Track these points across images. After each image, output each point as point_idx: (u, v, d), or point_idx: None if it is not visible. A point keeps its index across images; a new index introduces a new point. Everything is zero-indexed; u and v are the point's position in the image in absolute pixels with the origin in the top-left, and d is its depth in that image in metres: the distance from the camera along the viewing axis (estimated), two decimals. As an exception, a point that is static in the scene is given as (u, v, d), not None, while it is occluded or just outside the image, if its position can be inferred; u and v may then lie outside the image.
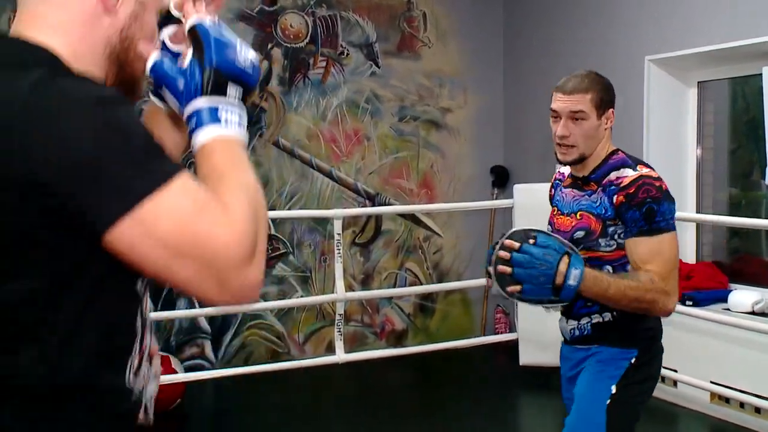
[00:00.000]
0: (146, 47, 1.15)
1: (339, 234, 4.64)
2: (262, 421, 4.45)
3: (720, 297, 4.43)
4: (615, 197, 2.19)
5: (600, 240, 2.23)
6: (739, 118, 5.08)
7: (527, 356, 5.06)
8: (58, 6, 1.07)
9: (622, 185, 2.20)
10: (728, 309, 4.30)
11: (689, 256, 4.98)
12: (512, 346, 5.26)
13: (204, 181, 1.04)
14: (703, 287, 4.54)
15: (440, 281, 5.96)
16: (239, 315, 5.33)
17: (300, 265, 5.57)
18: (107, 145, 0.96)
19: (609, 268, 2.22)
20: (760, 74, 4.37)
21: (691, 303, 4.38)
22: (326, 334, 5.58)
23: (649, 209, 2.15)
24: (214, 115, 1.09)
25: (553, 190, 2.48)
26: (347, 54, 5.69)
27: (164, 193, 0.97)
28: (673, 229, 2.19)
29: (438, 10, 5.98)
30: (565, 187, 2.40)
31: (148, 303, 1.18)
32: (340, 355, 4.64)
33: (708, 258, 5.00)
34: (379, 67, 5.80)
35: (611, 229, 2.21)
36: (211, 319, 5.26)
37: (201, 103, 1.09)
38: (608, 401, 2.20)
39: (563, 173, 2.45)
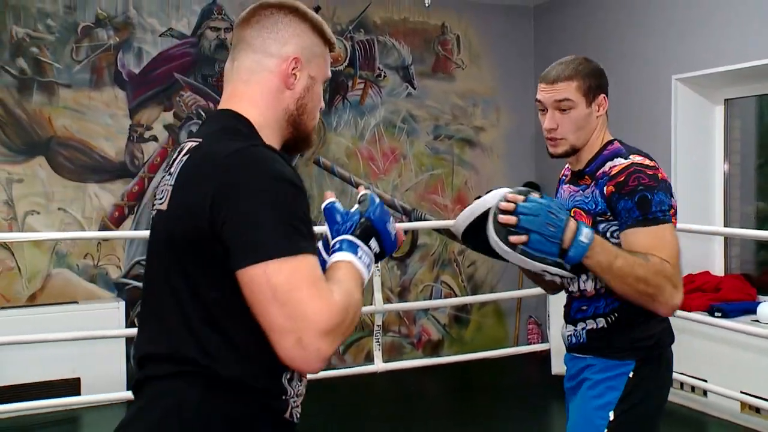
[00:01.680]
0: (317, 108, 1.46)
1: (377, 248, 4.64)
2: (306, 427, 4.45)
3: (749, 309, 4.35)
4: (605, 188, 1.92)
5: None
6: (766, 133, 5.01)
7: (559, 366, 5.00)
8: (255, 85, 1.38)
9: (611, 174, 1.92)
10: (757, 320, 4.23)
11: (717, 269, 4.91)
12: (544, 356, 5.22)
13: (330, 278, 1.26)
14: (732, 299, 4.47)
15: (474, 293, 5.94)
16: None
17: (340, 277, 5.58)
18: (270, 211, 1.20)
19: None
20: (786, 91, 4.32)
21: (720, 315, 4.31)
22: (365, 344, 5.59)
23: (642, 198, 1.86)
24: (354, 249, 1.34)
25: (558, 188, 2.21)
26: (384, 76, 5.73)
27: (291, 259, 1.18)
28: (670, 221, 1.88)
29: (471, 33, 5.99)
30: (566, 183, 2.14)
31: None
32: (379, 365, 4.64)
33: (736, 270, 4.92)
34: (414, 89, 5.82)
35: (602, 225, 1.93)
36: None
37: (349, 237, 1.35)
38: (605, 431, 1.90)
39: (568, 169, 2.16)
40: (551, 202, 1.81)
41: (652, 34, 5.01)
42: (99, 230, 4.88)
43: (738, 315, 4.32)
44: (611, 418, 1.90)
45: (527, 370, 5.53)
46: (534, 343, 5.83)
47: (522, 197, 1.80)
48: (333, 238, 1.38)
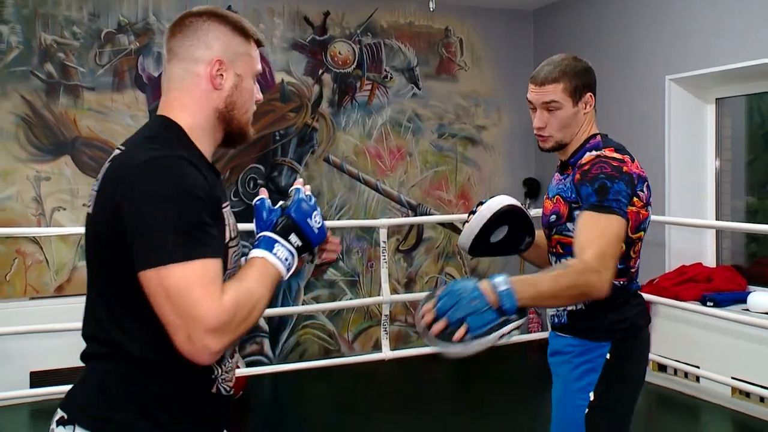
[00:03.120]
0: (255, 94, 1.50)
1: (384, 241, 4.68)
2: (315, 412, 4.50)
3: (739, 298, 4.37)
4: (575, 177, 1.96)
5: (567, 224, 1.99)
6: (755, 131, 5.01)
7: (558, 353, 5.02)
8: (185, 91, 1.42)
9: (581, 164, 1.97)
10: (747, 309, 4.24)
11: (709, 261, 4.92)
12: (544, 344, 5.21)
13: (235, 276, 1.34)
14: (724, 289, 4.48)
15: (477, 284, 5.95)
16: (294, 316, 5.40)
17: (349, 270, 5.62)
18: (169, 219, 1.24)
19: None
20: (775, 91, 4.32)
21: (712, 304, 4.33)
22: (373, 333, 5.62)
23: (601, 185, 1.86)
24: (270, 245, 1.38)
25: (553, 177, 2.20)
26: (390, 77, 5.75)
27: (183, 264, 1.22)
28: (624, 216, 1.85)
29: (473, 37, 6.01)
30: (556, 172, 2.16)
31: None
32: (386, 353, 4.67)
33: (727, 262, 4.93)
34: (419, 89, 5.84)
35: (576, 212, 1.94)
36: (269, 319, 5.33)
37: (268, 234, 1.40)
38: (586, 410, 1.95)
39: (559, 160, 2.18)
40: (451, 285, 1.66)
41: (647, 36, 5.01)
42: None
43: (729, 304, 4.34)
44: (591, 398, 1.95)
45: (528, 357, 5.54)
46: (534, 332, 5.84)
47: (432, 301, 1.65)
48: (256, 233, 1.43)
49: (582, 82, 2.03)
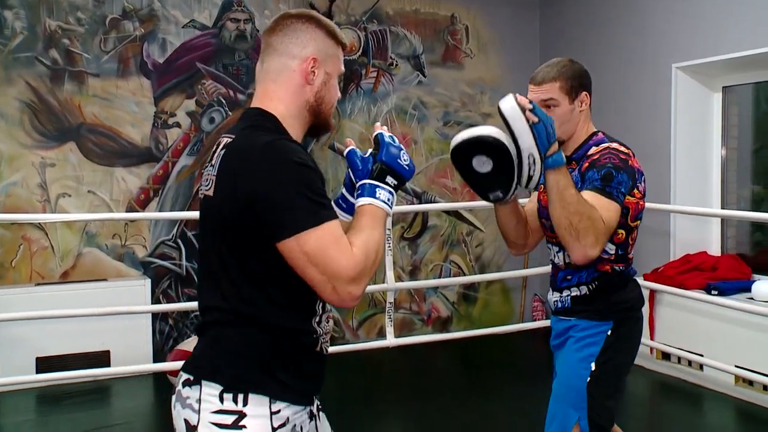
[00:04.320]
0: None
1: (389, 229, 4.69)
2: (320, 399, 4.51)
3: (744, 287, 4.37)
4: (583, 166, 2.16)
5: None
6: (762, 120, 4.99)
7: (562, 341, 5.03)
8: (281, 83, 1.59)
9: (589, 155, 2.17)
10: (752, 298, 4.25)
11: (714, 249, 4.92)
12: (548, 332, 5.24)
13: (352, 229, 1.52)
14: (728, 278, 4.48)
15: (482, 272, 5.98)
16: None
17: (354, 257, 5.62)
18: (296, 192, 1.43)
19: None
20: (782, 79, 4.30)
21: (716, 292, 4.33)
22: (378, 320, 5.64)
23: (607, 172, 2.07)
24: (372, 191, 1.58)
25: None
26: (396, 65, 5.74)
27: (318, 229, 1.42)
28: (620, 204, 2.06)
29: (479, 24, 5.98)
30: None
31: None
32: (391, 340, 4.69)
33: (732, 251, 4.93)
34: (425, 77, 5.83)
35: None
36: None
37: (367, 181, 1.60)
38: (588, 378, 2.15)
39: None
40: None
41: (653, 24, 4.99)
42: (126, 212, 4.94)
43: (733, 293, 4.34)
44: (593, 368, 2.16)
45: (532, 345, 5.57)
46: (538, 320, 5.87)
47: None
48: (356, 182, 1.64)
49: (578, 81, 2.20)
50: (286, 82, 1.59)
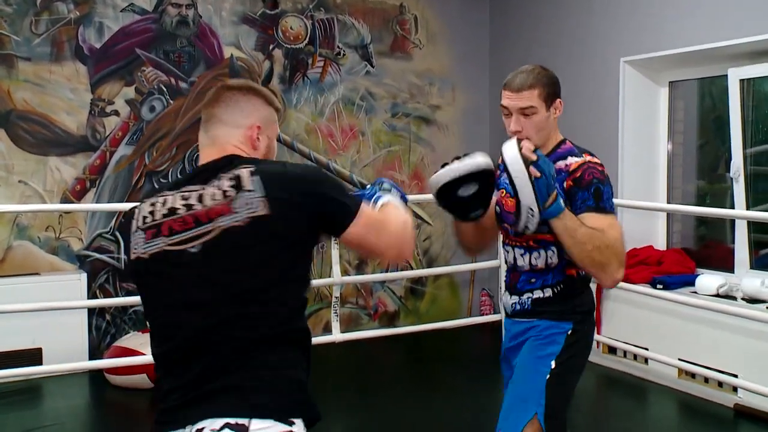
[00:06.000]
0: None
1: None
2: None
3: (688, 281, 4.50)
4: (564, 183, 2.18)
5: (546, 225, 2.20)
6: (707, 115, 5.14)
7: (510, 336, 5.10)
8: (231, 147, 1.73)
9: (569, 170, 2.19)
10: (695, 292, 4.37)
11: (660, 244, 5.05)
12: (497, 327, 5.32)
13: (384, 210, 1.77)
14: (673, 272, 4.60)
15: (429, 266, 6.02)
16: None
17: (299, 251, 5.59)
18: (333, 188, 1.68)
19: (554, 248, 2.21)
20: (726, 75, 4.43)
21: (661, 286, 4.45)
22: (324, 315, 5.63)
23: (596, 189, 2.15)
24: (386, 194, 1.88)
25: (498, 174, 2.30)
26: (343, 54, 5.72)
27: (362, 209, 1.68)
28: (615, 215, 2.22)
29: (428, 14, 6.01)
30: None
31: None
32: (337, 335, 4.69)
33: (677, 245, 5.07)
34: (373, 67, 5.83)
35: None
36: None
37: (379, 190, 1.92)
38: (548, 376, 2.19)
39: None
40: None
41: (603, 17, 5.08)
42: (60, 203, 4.82)
43: (678, 287, 4.46)
44: (553, 365, 2.21)
45: (480, 339, 5.63)
46: (486, 314, 5.94)
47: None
48: (369, 198, 1.83)
49: (552, 89, 2.24)
50: (237, 145, 1.73)
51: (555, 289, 2.26)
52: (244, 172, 1.62)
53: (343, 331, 4.80)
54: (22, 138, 4.74)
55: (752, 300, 4.13)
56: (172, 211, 1.62)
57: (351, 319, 5.80)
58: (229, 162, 1.67)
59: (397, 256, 1.75)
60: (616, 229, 2.14)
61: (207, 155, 1.73)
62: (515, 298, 2.33)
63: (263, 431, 1.50)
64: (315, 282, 5.42)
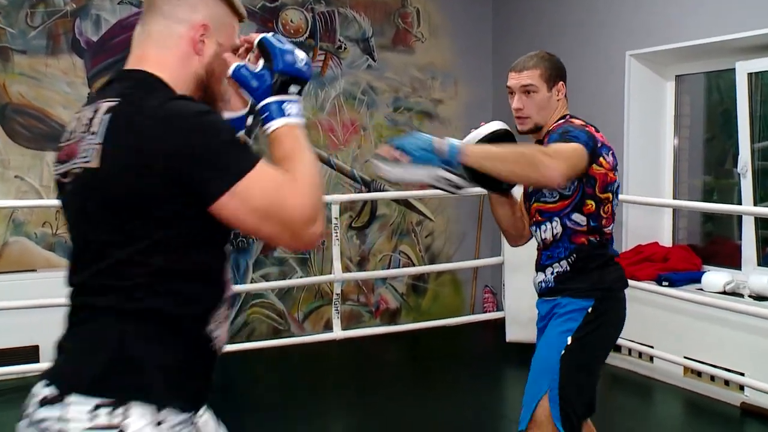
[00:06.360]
0: (229, 60, 1.48)
1: (336, 218, 4.66)
2: (263, 394, 4.47)
3: (694, 278, 4.46)
4: (546, 141, 2.30)
5: (544, 191, 2.33)
6: (714, 109, 5.10)
7: (513, 333, 5.09)
8: (165, 50, 1.42)
9: (551, 130, 2.32)
10: (702, 289, 4.33)
11: (666, 240, 5.02)
12: (499, 324, 5.30)
13: (278, 161, 1.37)
14: (679, 269, 4.57)
15: (432, 263, 5.99)
16: (242, 294, 5.34)
17: (300, 247, 5.56)
18: (208, 141, 1.28)
19: (557, 219, 2.31)
20: (734, 69, 4.39)
21: (667, 283, 4.42)
22: (324, 312, 5.61)
23: (563, 130, 2.23)
24: (281, 109, 1.42)
25: None
26: (345, 48, 5.68)
27: (251, 174, 1.28)
28: (586, 147, 2.18)
29: (430, 7, 5.97)
30: None
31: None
32: (337, 332, 4.66)
33: (683, 241, 5.03)
34: (374, 61, 5.79)
35: None
36: (215, 298, 5.26)
37: (271, 100, 1.43)
38: (563, 351, 2.26)
39: None
40: (410, 133, 2.13)
41: (608, 10, 5.04)
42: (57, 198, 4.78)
43: (684, 284, 4.43)
44: (568, 342, 2.27)
45: (483, 337, 5.61)
46: (489, 312, 5.91)
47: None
48: (257, 103, 1.45)
49: (555, 72, 2.38)
50: (172, 48, 1.42)
51: (569, 260, 2.32)
52: (103, 107, 1.33)
53: (344, 329, 4.78)
54: (18, 132, 4.71)
55: (759, 297, 4.09)
56: (71, 133, 1.41)
57: (352, 316, 5.77)
58: (119, 80, 1.42)
59: (297, 248, 1.41)
60: (563, 147, 2.15)
61: (131, 59, 1.44)
62: (541, 276, 2.42)
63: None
64: (316, 279, 5.42)
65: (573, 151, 2.15)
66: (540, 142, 2.39)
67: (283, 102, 1.43)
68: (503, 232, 2.59)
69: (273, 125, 1.42)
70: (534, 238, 2.48)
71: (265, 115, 1.44)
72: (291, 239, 1.33)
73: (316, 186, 1.35)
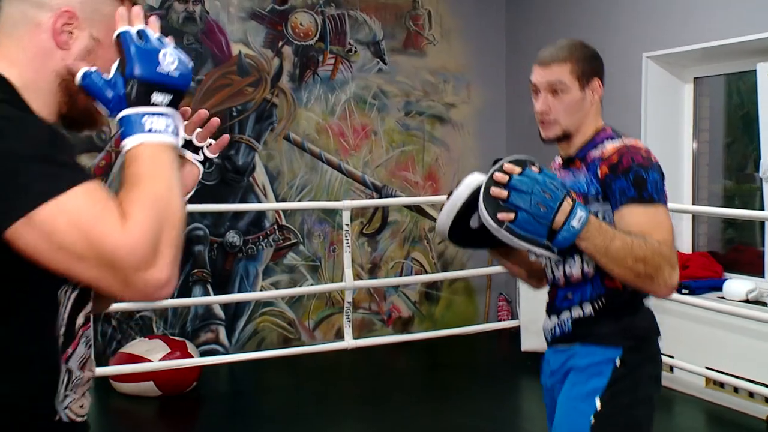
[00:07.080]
0: (78, 64, 1.15)
1: (347, 225, 4.63)
2: (273, 404, 4.45)
3: (715, 286, 4.40)
4: (599, 170, 1.86)
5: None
6: (734, 112, 5.04)
7: (528, 342, 5.04)
8: (17, 40, 1.14)
9: (604, 156, 1.87)
10: (723, 297, 4.28)
11: (685, 247, 4.96)
12: (514, 333, 5.25)
13: (123, 187, 1.07)
14: (699, 276, 4.51)
15: (445, 270, 5.95)
16: (252, 302, 5.32)
17: (310, 254, 5.55)
18: (14, 153, 1.00)
19: None
20: (755, 70, 4.33)
21: (687, 291, 4.35)
22: (335, 320, 5.58)
23: (636, 175, 1.80)
24: (139, 124, 1.10)
25: None
26: (355, 51, 5.67)
27: (63, 198, 0.99)
28: (666, 205, 1.83)
29: (442, 9, 5.94)
30: (557, 170, 2.05)
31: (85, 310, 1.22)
32: (349, 341, 4.63)
33: (703, 248, 4.97)
34: (385, 64, 5.77)
35: (594, 206, 1.85)
36: (225, 306, 5.25)
37: (126, 112, 1.11)
38: (592, 420, 1.81)
39: (558, 163, 2.07)
40: (548, 178, 1.68)
41: (624, 11, 5.00)
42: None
43: (704, 292, 4.37)
44: (598, 406, 1.82)
45: (497, 346, 5.56)
46: (504, 320, 5.87)
47: (518, 169, 1.68)
48: (113, 117, 1.14)
49: (590, 66, 1.96)
50: (26, 39, 1.14)
51: (596, 305, 1.89)
52: None
53: (355, 338, 4.75)
54: (25, 139, 4.71)
55: (783, 306, 4.04)
56: None
57: (364, 324, 5.73)
58: None
59: (132, 297, 1.06)
60: (664, 226, 1.77)
61: None
62: (554, 320, 1.98)
63: None
64: (327, 287, 5.39)
65: (671, 231, 1.79)
66: (570, 159, 1.97)
67: (143, 115, 1.10)
68: (524, 281, 2.17)
69: (127, 143, 1.10)
70: (546, 272, 2.05)
71: (122, 130, 1.12)
72: (123, 287, 1.02)
73: (162, 220, 1.04)
